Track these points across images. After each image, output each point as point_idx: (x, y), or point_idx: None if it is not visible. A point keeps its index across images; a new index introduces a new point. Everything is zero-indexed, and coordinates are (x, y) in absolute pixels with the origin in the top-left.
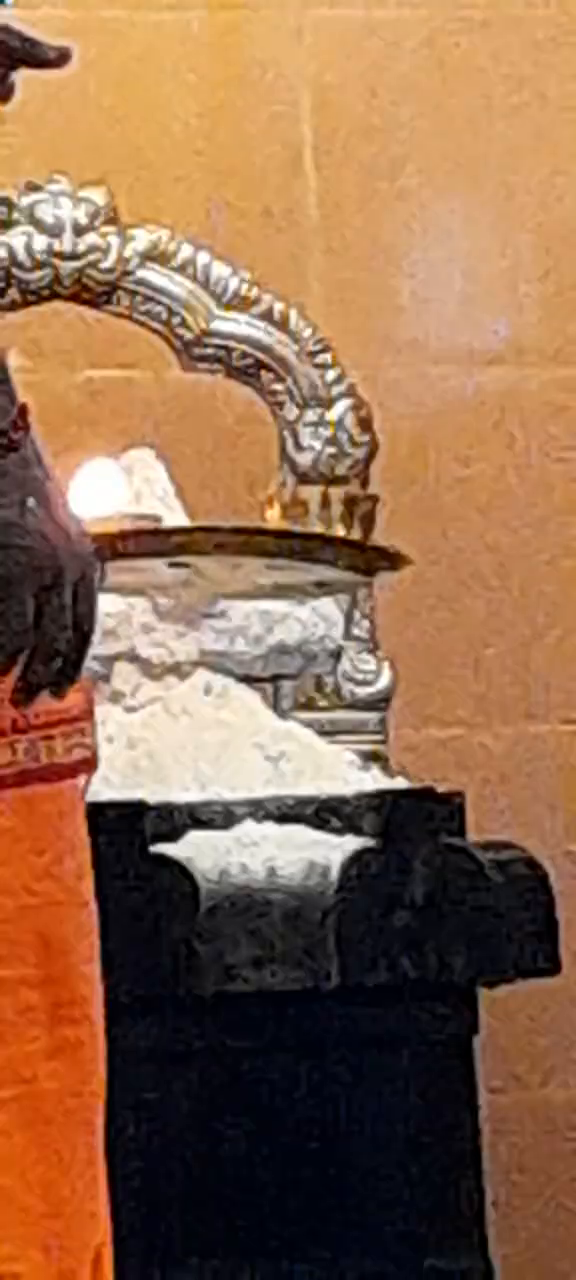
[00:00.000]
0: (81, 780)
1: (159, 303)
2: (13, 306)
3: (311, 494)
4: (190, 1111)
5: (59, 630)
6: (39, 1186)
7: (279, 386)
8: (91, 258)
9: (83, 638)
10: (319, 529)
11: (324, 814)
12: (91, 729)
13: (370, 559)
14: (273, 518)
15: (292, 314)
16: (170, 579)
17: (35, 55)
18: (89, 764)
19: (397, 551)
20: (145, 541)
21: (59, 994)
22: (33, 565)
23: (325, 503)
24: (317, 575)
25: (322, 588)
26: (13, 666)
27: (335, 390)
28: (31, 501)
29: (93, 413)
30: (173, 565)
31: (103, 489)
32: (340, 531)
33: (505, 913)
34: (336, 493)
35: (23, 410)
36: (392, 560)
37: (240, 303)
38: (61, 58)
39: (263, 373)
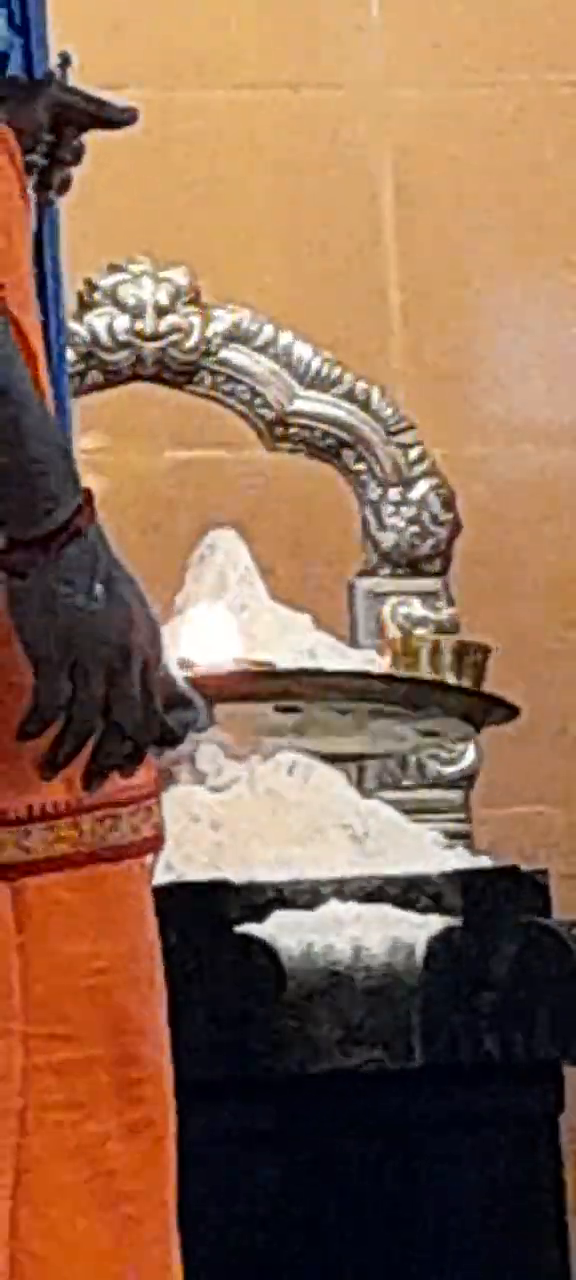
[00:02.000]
0: (148, 858)
1: (241, 383)
2: (95, 387)
3: (422, 642)
4: (274, 1192)
5: (127, 713)
6: (114, 1265)
7: (361, 466)
8: (173, 338)
9: (151, 717)
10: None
11: (409, 893)
12: (158, 806)
13: (481, 707)
14: (384, 665)
15: (375, 393)
16: (278, 723)
17: (103, 115)
18: (156, 842)
19: (507, 701)
20: (252, 684)
21: (129, 1074)
22: (101, 650)
23: (435, 651)
24: (427, 725)
25: (431, 737)
26: (82, 747)
27: (417, 469)
28: (98, 588)
29: (176, 493)
30: (280, 710)
31: (213, 633)
32: (451, 680)
33: None
34: (448, 641)
35: (88, 496)
36: (504, 709)
37: (322, 382)
38: (127, 118)
39: (344, 452)
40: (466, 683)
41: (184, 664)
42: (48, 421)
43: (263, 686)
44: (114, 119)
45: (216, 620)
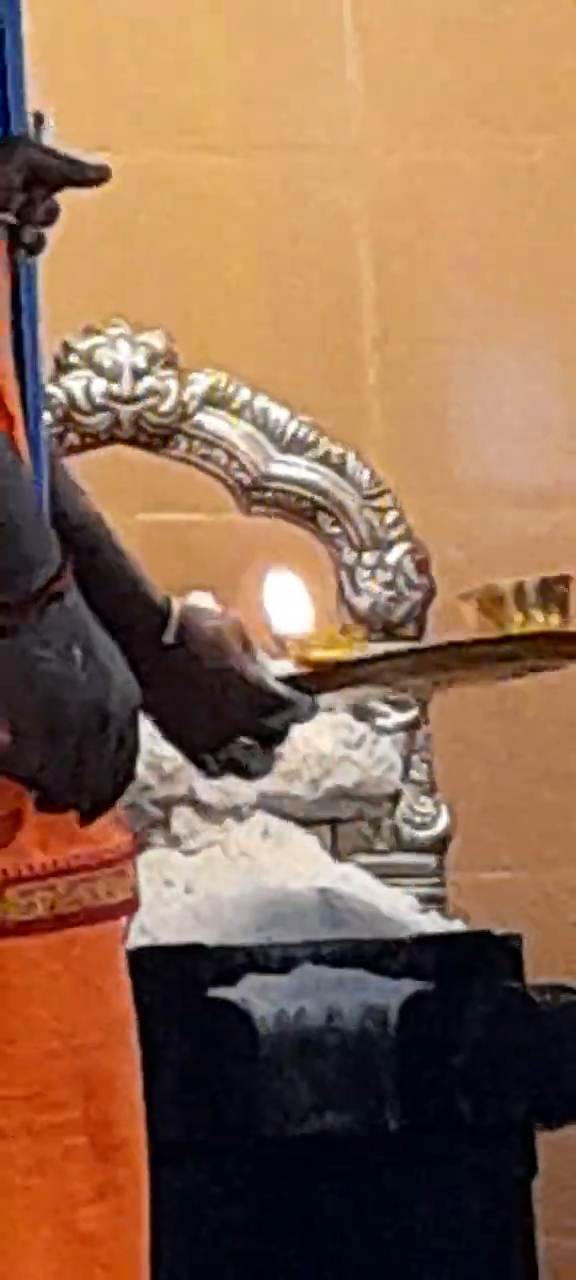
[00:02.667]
0: (123, 921)
1: (217, 446)
2: (71, 450)
3: (507, 587)
4: (248, 1255)
5: (99, 776)
6: None
7: (336, 530)
8: (150, 401)
9: (123, 781)
10: (518, 619)
11: (382, 957)
12: (133, 869)
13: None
14: (469, 614)
15: (350, 458)
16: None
17: (76, 174)
18: (131, 905)
19: None
20: (352, 671)
21: (103, 1137)
22: (77, 715)
23: (519, 591)
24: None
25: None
26: (55, 809)
27: (393, 534)
28: (77, 651)
29: (151, 556)
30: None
31: (290, 605)
32: (538, 616)
33: (562, 1055)
34: (531, 580)
35: (67, 560)
36: None
37: (298, 446)
38: (101, 176)
39: (320, 516)
40: (554, 618)
41: (280, 642)
42: (25, 483)
43: (363, 672)
44: (87, 178)
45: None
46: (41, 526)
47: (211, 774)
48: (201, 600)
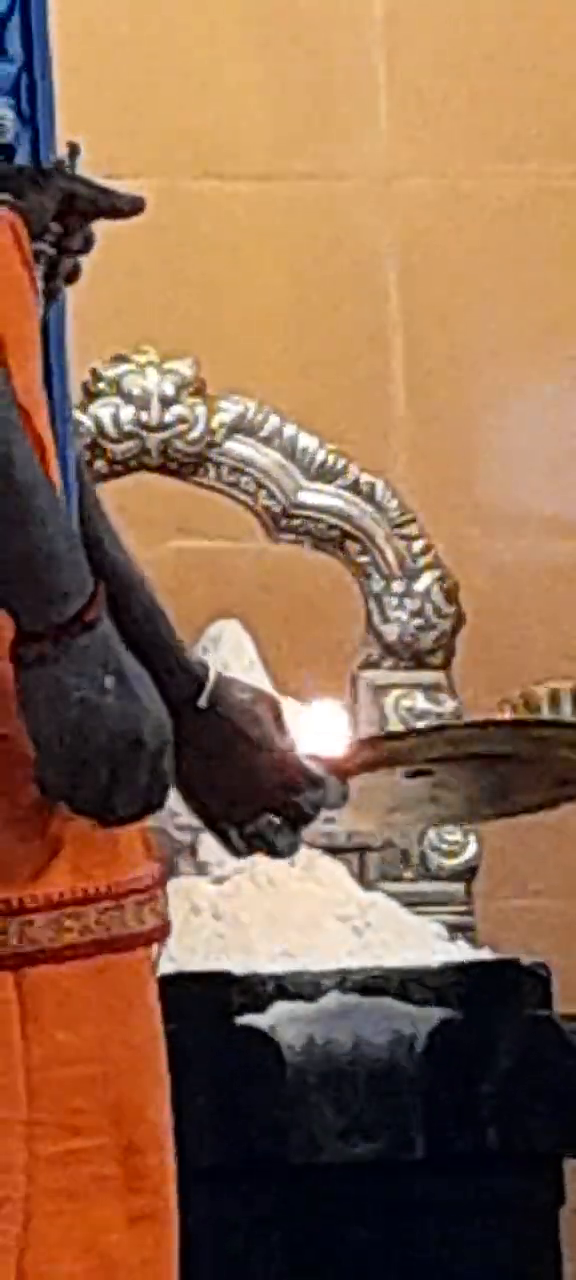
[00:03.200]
0: (153, 950)
1: (246, 474)
2: (100, 478)
3: (542, 694)
4: (275, 1279)
5: (131, 804)
6: None
7: (365, 558)
8: (178, 429)
9: (158, 804)
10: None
11: (409, 985)
12: (163, 897)
13: None
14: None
15: (379, 485)
16: (413, 791)
17: (109, 205)
18: (161, 932)
19: None
20: (380, 749)
21: (134, 1163)
22: (108, 744)
23: (554, 698)
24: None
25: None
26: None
27: (421, 562)
28: (109, 679)
29: (180, 584)
30: (411, 775)
31: (327, 728)
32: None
33: None
34: (566, 685)
35: (98, 588)
36: None
37: (326, 474)
38: (135, 207)
39: (348, 544)
40: None
41: (312, 758)
42: (58, 509)
43: (392, 749)
44: (121, 208)
45: (329, 713)
46: (75, 554)
47: (236, 851)
48: (230, 627)
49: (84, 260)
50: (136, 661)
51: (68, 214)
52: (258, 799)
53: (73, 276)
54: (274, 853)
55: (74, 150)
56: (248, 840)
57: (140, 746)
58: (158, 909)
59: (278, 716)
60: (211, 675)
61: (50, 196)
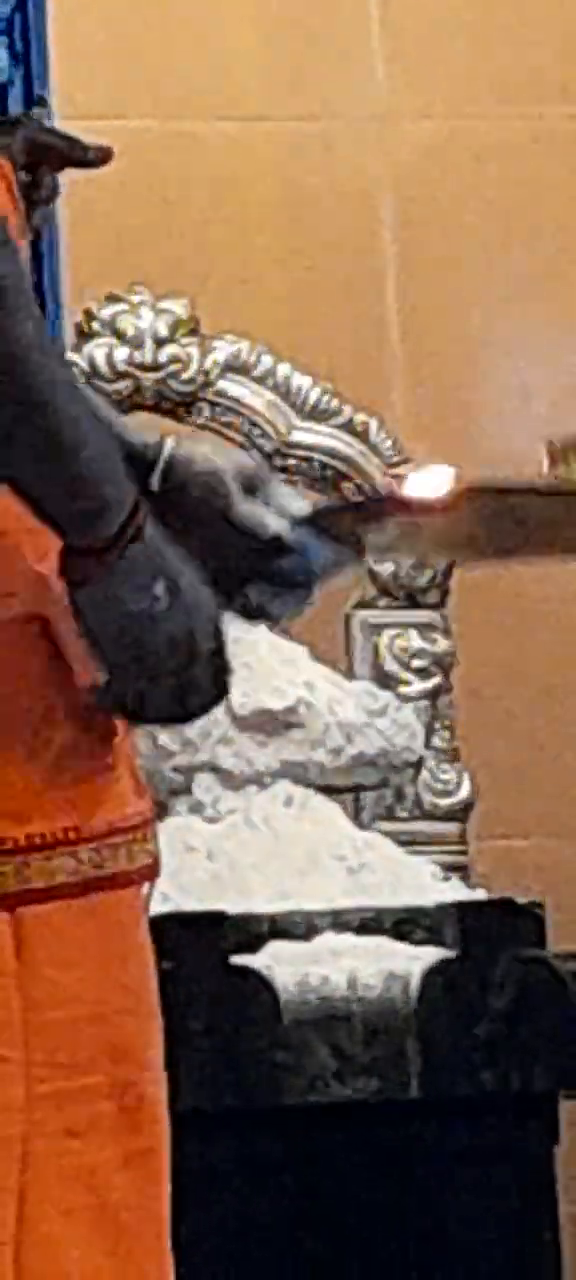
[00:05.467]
0: (145, 888)
1: (239, 414)
2: None
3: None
4: (270, 1222)
5: (198, 698)
6: None
7: (359, 497)
8: (172, 369)
9: (219, 696)
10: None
11: (404, 925)
12: (154, 836)
13: None
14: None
15: (373, 425)
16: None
17: (76, 154)
18: (152, 870)
19: None
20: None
21: (129, 1101)
22: (166, 648)
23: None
24: None
25: None
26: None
27: None
28: (159, 586)
29: None
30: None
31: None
32: None
33: None
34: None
35: (137, 503)
36: None
37: (320, 414)
38: (101, 157)
39: (342, 483)
40: None
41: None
42: (97, 424)
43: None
44: (90, 160)
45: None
46: (117, 464)
47: (247, 617)
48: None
49: (78, 199)
50: (182, 559)
51: (36, 164)
52: (235, 569)
53: (41, 230)
54: (270, 617)
55: (42, 101)
56: (245, 613)
57: (195, 646)
58: (148, 847)
59: (249, 483)
60: (163, 454)
61: (17, 149)
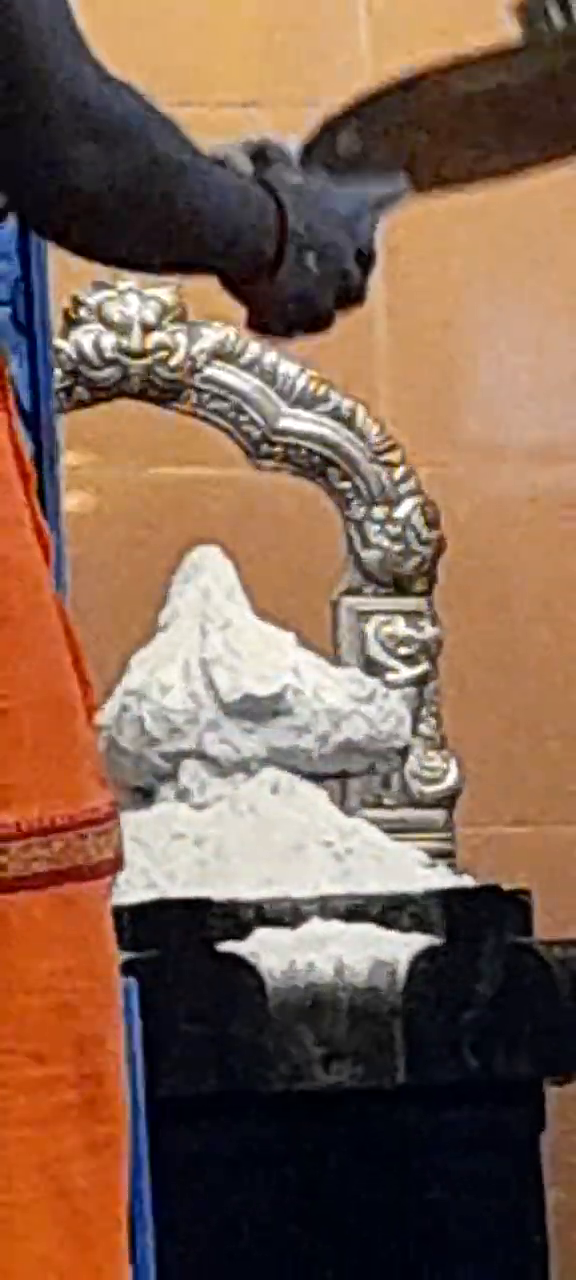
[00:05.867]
0: (108, 880)
1: (226, 400)
2: (81, 404)
3: None
4: (256, 1209)
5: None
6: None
7: (346, 484)
8: (159, 355)
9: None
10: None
11: (391, 912)
12: (117, 829)
13: None
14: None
15: (360, 412)
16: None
17: None
18: (117, 863)
19: None
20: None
21: (93, 1092)
22: (328, 312)
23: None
24: None
25: None
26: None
27: (402, 488)
28: (310, 258)
29: (161, 510)
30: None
31: None
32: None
33: (571, 1010)
34: None
35: (281, 206)
36: None
37: (307, 401)
38: None
39: (329, 470)
40: None
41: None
42: (209, 166)
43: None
44: None
45: None
46: (246, 199)
47: None
48: (210, 553)
49: None
50: (320, 216)
51: None
52: None
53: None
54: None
55: None
56: None
57: (351, 278)
58: (113, 840)
59: (258, 153)
60: None
61: None
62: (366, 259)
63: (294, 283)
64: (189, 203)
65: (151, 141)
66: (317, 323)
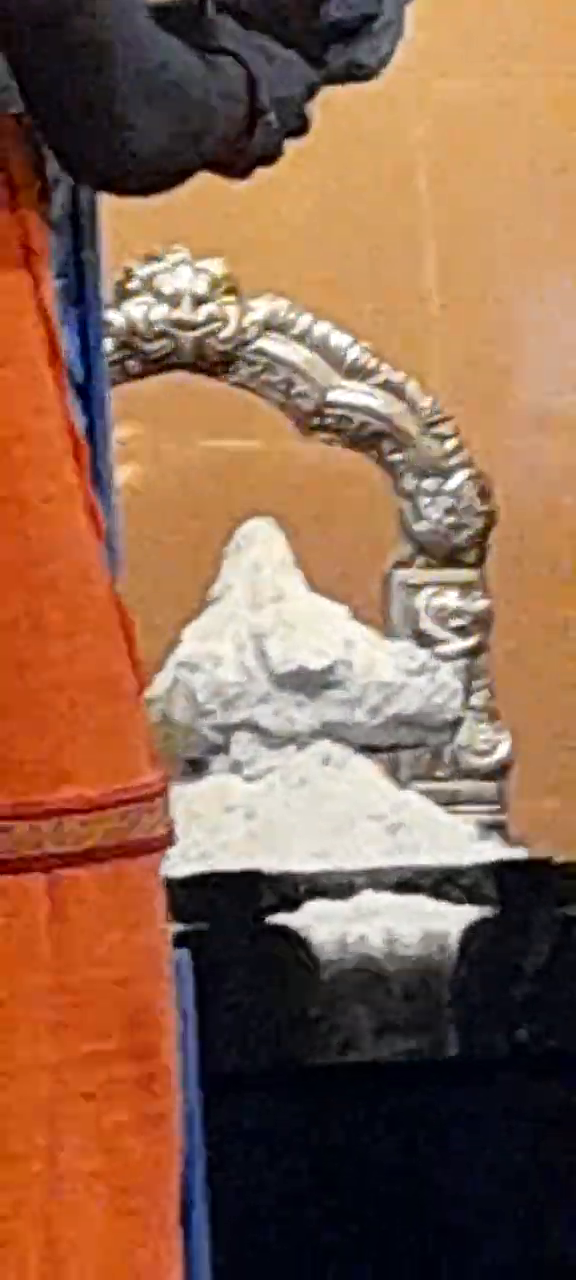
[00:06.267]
0: (160, 856)
1: (278, 372)
2: (132, 376)
3: None
4: (307, 1183)
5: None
6: (123, 1255)
7: (398, 456)
8: (210, 327)
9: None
10: None
11: (442, 884)
12: (167, 805)
13: None
14: None
15: (411, 384)
16: None
17: None
18: (169, 839)
19: None
20: None
21: (145, 1067)
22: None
23: None
24: None
25: None
26: None
27: (454, 460)
28: (271, 116)
29: (212, 483)
30: None
31: None
32: None
33: None
34: None
35: (252, 79)
36: None
37: (359, 373)
38: None
39: (381, 442)
40: None
41: None
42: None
43: None
44: None
45: None
46: (221, 78)
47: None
48: (262, 526)
49: None
50: (279, 75)
51: None
52: (310, 30)
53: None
54: (364, 68)
55: None
56: (343, 76)
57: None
58: (164, 818)
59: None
60: None
61: None
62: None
63: (260, 143)
64: (211, 119)
65: (189, 93)
66: (271, 161)
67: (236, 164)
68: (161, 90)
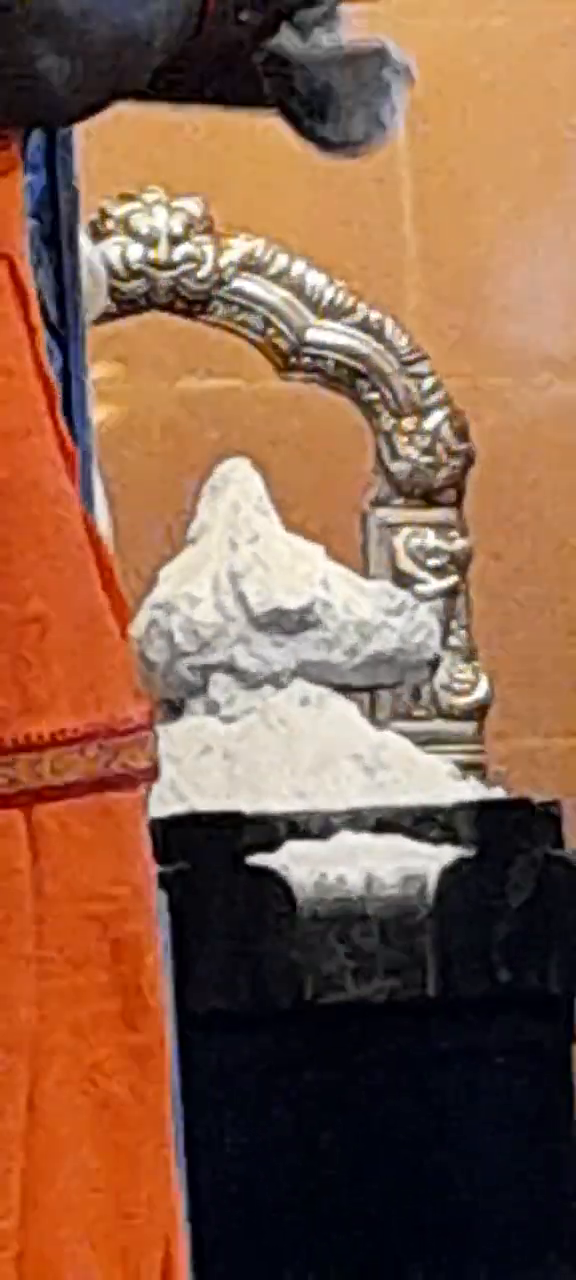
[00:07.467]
0: (143, 790)
1: (255, 312)
2: (109, 316)
3: None
4: (287, 1121)
5: None
6: (111, 1191)
7: (374, 396)
8: (187, 267)
9: None
10: None
11: (421, 824)
12: (153, 739)
13: None
14: None
15: (388, 323)
16: None
17: None
18: (153, 773)
19: None
20: None
21: (132, 1002)
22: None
23: None
24: None
25: None
26: None
27: (431, 400)
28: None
29: (188, 422)
30: None
31: None
32: None
33: None
34: None
35: None
36: None
37: (336, 312)
38: None
39: (358, 382)
40: None
41: None
42: None
43: None
44: None
45: None
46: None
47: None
48: (239, 465)
49: None
50: None
51: None
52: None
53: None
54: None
55: None
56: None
57: None
58: (148, 751)
59: None
60: None
61: None
62: None
63: (219, 36)
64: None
65: (106, 29)
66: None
67: (201, 62)
68: (73, 39)
